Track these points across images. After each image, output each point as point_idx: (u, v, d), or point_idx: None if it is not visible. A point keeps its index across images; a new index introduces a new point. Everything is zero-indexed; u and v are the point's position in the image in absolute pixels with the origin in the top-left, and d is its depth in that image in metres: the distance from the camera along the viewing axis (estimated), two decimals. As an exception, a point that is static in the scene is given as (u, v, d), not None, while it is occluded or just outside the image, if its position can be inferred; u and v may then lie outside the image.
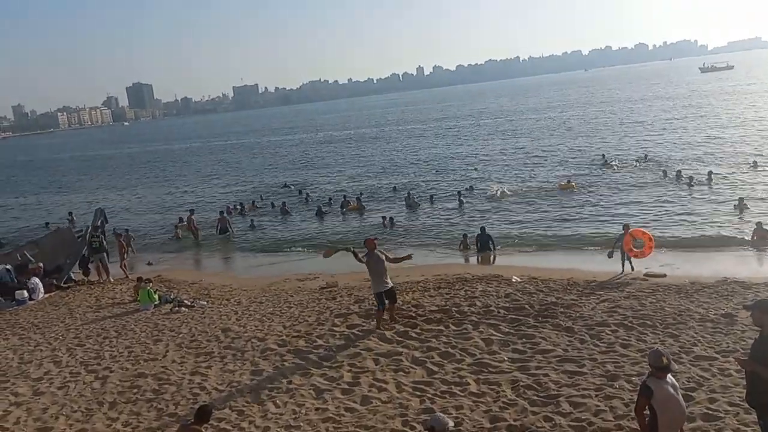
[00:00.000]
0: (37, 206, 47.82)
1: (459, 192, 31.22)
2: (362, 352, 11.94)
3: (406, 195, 32.08)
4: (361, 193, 35.24)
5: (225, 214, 30.11)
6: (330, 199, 34.25)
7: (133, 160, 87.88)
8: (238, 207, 34.37)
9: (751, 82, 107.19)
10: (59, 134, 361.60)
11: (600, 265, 17.54)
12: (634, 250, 16.62)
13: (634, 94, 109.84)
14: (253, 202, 35.69)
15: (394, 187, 36.64)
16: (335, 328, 13.47)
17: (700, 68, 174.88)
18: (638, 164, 35.10)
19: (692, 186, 27.73)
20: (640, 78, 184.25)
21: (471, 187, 33.50)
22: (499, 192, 31.14)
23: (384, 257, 13.19)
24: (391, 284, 13.22)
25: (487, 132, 69.21)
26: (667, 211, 24.43)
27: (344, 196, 33.75)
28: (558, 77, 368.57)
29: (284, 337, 13.29)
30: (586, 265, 18.42)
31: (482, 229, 22.25)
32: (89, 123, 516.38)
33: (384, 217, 27.48)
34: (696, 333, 11.40)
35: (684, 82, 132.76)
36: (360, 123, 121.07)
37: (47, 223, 32.25)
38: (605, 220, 24.02)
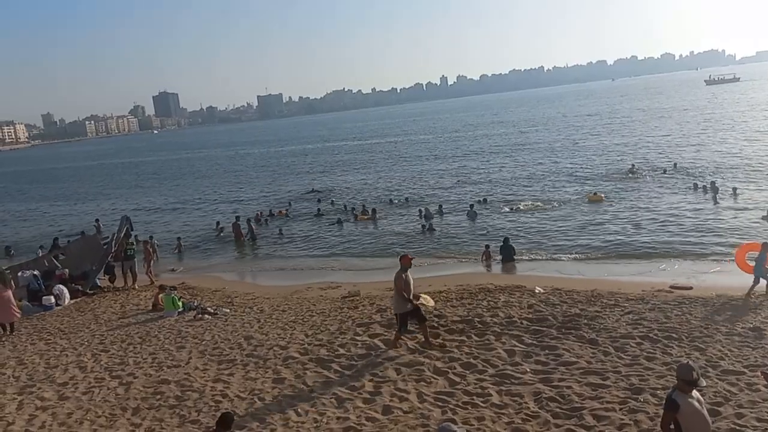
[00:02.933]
0: (68, 213, 48.70)
1: (471, 205, 31.07)
2: (384, 361, 11.92)
3: (422, 209, 31.85)
4: (390, 200, 35.99)
5: (252, 222, 30.73)
6: (353, 208, 34.40)
7: (162, 167, 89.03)
8: (265, 215, 34.60)
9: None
10: (88, 142, 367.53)
11: (624, 276, 17.35)
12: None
13: (659, 103, 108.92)
14: (281, 210, 36.09)
15: (406, 198, 36.59)
16: (357, 338, 13.47)
17: (705, 80, 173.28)
18: (666, 174, 34.76)
19: (719, 197, 27.39)
20: (661, 88, 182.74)
21: (485, 198, 33.34)
22: (521, 205, 30.83)
23: (412, 279, 12.59)
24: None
25: (509, 143, 68.99)
26: (693, 221, 24.11)
27: (363, 205, 34.10)
28: (585, 87, 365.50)
29: (306, 345, 13.33)
30: (611, 276, 18.25)
31: (505, 239, 22.15)
32: (116, 131, 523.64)
33: (424, 225, 27.72)
34: (723, 346, 11.22)
35: (701, 94, 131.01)
36: (381, 132, 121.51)
37: (83, 232, 32.92)
38: (633, 232, 23.75)
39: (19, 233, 39.58)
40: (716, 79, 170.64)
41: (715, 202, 26.83)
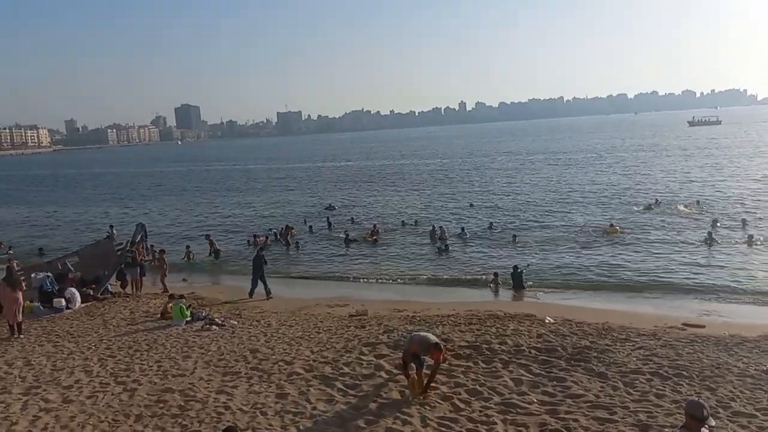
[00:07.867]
0: (96, 217, 49.16)
1: (462, 228, 31.28)
2: (388, 383, 11.82)
3: (436, 229, 31.63)
4: (403, 222, 35.90)
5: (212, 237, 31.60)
6: (346, 235, 33.25)
7: (185, 178, 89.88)
8: (275, 232, 34.58)
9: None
10: (110, 150, 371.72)
11: (637, 311, 17.17)
12: None
13: (681, 141, 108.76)
14: (286, 224, 36.00)
15: (416, 221, 36.35)
16: (363, 357, 13.37)
17: (689, 122, 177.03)
18: (688, 210, 34.62)
19: (740, 236, 27.12)
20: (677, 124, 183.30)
21: (491, 224, 33.33)
22: (531, 237, 30.42)
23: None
24: None
25: (526, 172, 68.98)
26: (709, 259, 23.87)
27: (374, 225, 33.97)
28: (608, 119, 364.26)
29: (311, 362, 13.25)
30: (623, 309, 18.08)
31: (515, 267, 22.07)
32: (137, 140, 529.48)
33: (439, 248, 28.06)
34: (734, 388, 11.00)
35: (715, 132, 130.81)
36: (395, 155, 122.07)
37: (107, 234, 33.35)
38: (648, 266, 23.54)
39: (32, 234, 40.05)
40: (699, 120, 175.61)
41: (735, 241, 26.44)
